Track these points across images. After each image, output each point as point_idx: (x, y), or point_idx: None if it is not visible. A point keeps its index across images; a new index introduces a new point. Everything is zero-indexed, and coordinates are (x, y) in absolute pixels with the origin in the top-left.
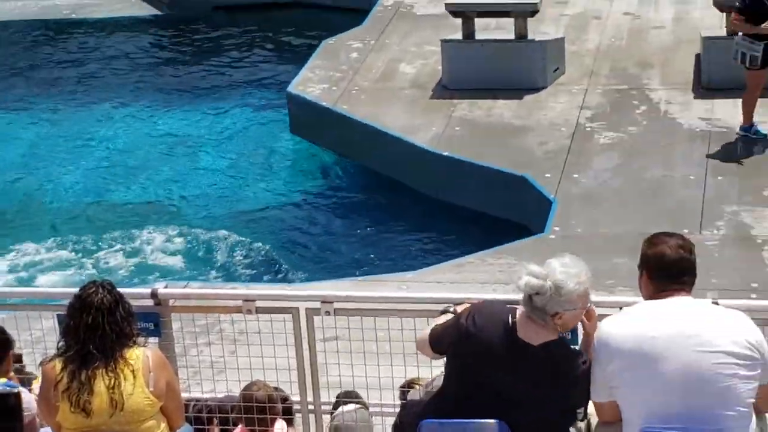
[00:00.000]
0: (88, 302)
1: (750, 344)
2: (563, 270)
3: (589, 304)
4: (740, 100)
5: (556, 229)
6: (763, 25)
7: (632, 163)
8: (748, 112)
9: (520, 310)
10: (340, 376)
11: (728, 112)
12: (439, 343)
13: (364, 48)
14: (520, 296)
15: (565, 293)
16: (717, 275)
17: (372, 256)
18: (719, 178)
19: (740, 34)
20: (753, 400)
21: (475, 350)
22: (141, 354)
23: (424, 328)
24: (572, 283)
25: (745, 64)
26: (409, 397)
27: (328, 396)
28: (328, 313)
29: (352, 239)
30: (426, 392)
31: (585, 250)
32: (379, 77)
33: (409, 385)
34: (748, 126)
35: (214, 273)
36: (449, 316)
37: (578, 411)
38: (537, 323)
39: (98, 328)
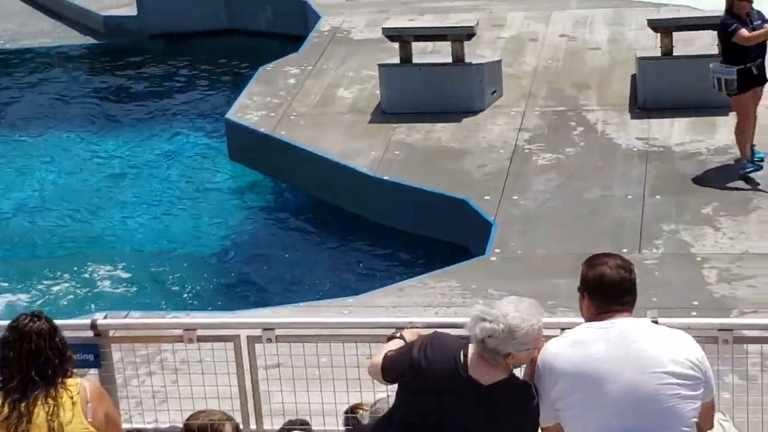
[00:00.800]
0: (26, 331)
1: (692, 363)
2: (517, 315)
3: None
4: (677, 119)
5: (497, 251)
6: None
7: (571, 184)
8: (741, 144)
9: (472, 346)
10: (282, 403)
11: (664, 132)
12: (391, 371)
13: (301, 74)
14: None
15: (519, 336)
16: (657, 294)
17: (313, 281)
18: (657, 197)
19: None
20: (696, 420)
21: (425, 383)
22: (79, 384)
23: (372, 353)
24: (526, 326)
25: (723, 91)
26: (354, 423)
27: (271, 424)
28: (269, 340)
29: (293, 265)
30: (371, 416)
31: (525, 272)
32: (317, 102)
33: (353, 410)
34: (745, 162)
35: (154, 302)
36: (397, 341)
37: None
38: (489, 362)
39: (41, 353)
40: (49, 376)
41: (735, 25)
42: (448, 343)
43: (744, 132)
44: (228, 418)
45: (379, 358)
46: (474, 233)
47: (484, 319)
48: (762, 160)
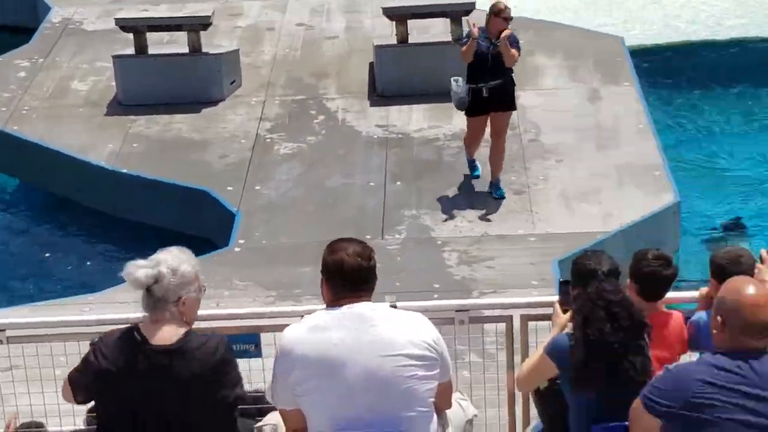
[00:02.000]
0: None
1: (428, 344)
2: (174, 256)
3: None
4: (414, 106)
5: (241, 241)
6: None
7: (313, 173)
8: (467, 151)
9: (142, 320)
10: (17, 405)
11: (403, 119)
12: (80, 388)
13: (32, 67)
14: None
15: (181, 274)
16: (400, 279)
17: (53, 279)
18: (398, 183)
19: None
20: (433, 400)
21: (115, 380)
22: None
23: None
24: (186, 265)
25: (456, 107)
26: None
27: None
28: (0, 341)
29: (31, 264)
30: None
31: (270, 261)
32: (51, 96)
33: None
34: (470, 159)
35: None
36: None
37: None
38: (164, 321)
39: None
40: None
41: (463, 39)
42: (116, 333)
43: (468, 146)
44: None
45: (66, 380)
46: (217, 224)
47: (145, 267)
48: (477, 178)
